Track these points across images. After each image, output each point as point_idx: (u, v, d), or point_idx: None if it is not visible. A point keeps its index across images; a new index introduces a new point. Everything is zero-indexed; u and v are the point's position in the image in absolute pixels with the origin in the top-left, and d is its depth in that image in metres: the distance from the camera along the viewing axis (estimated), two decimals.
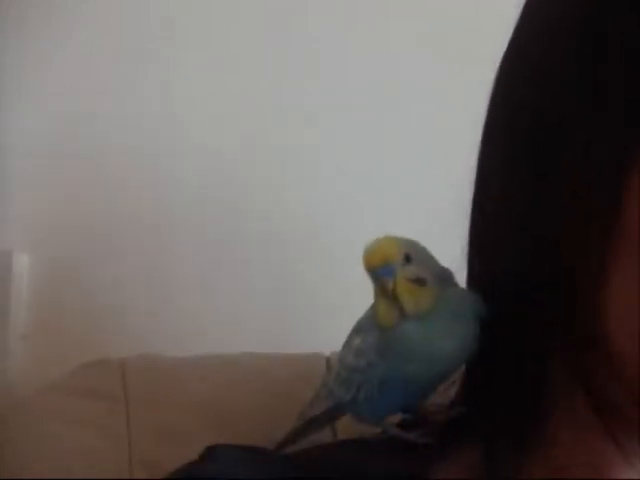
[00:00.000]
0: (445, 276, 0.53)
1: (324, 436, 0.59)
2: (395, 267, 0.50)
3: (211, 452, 0.55)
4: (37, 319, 0.93)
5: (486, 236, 0.53)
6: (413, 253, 0.51)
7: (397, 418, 0.55)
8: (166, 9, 1.00)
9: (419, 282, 0.50)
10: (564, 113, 0.48)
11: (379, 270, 0.50)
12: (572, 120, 0.47)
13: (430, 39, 1.02)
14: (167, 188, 0.97)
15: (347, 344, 0.54)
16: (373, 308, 0.52)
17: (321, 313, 0.95)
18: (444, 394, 0.55)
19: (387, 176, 1.01)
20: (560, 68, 0.48)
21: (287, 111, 1.00)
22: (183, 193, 0.98)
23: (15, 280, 0.91)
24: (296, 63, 1.01)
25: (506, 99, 0.53)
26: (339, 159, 1.01)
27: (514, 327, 0.50)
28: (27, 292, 0.93)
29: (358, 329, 0.54)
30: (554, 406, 0.52)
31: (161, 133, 0.98)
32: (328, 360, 0.69)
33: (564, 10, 0.49)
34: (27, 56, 0.97)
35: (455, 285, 0.53)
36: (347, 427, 0.58)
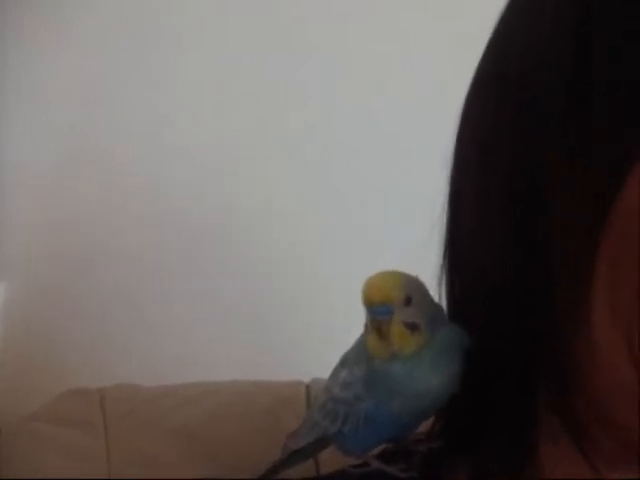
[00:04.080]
0: (437, 316, 0.52)
1: (306, 467, 0.59)
2: (394, 308, 0.50)
3: None
4: (12, 348, 0.93)
5: (464, 254, 0.52)
6: (414, 295, 0.50)
7: (379, 449, 0.55)
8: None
9: (413, 327, 0.50)
10: (546, 113, 0.47)
11: (377, 308, 0.50)
12: (555, 120, 0.46)
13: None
14: (150, 217, 0.98)
15: (333, 376, 0.54)
16: (361, 342, 0.52)
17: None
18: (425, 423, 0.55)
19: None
20: (546, 66, 0.47)
21: (274, 140, 1.01)
22: (167, 220, 0.98)
23: None
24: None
25: (485, 97, 0.52)
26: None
27: (495, 352, 0.50)
28: (2, 321, 0.93)
29: (344, 362, 0.53)
30: (539, 436, 0.51)
31: (147, 159, 0.99)
32: (308, 387, 0.70)
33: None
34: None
35: (445, 322, 0.53)
36: (330, 459, 0.58)
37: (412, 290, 0.50)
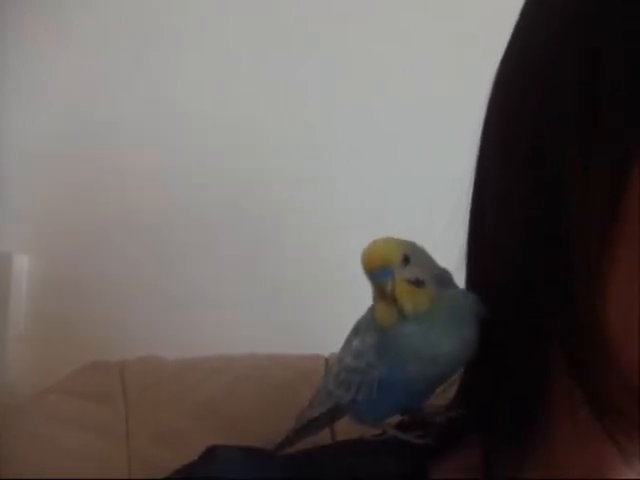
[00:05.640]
0: (444, 277, 0.52)
1: (322, 437, 0.59)
2: (393, 269, 0.50)
3: (211, 453, 0.56)
4: (36, 321, 0.93)
5: (484, 233, 0.53)
6: (411, 254, 0.51)
7: (396, 419, 0.55)
8: (167, 10, 1.00)
9: (417, 283, 0.50)
10: (565, 110, 0.47)
11: (377, 272, 0.50)
12: (573, 117, 0.47)
13: (430, 40, 1.02)
14: (167, 188, 0.97)
15: (346, 345, 0.54)
16: (372, 310, 0.52)
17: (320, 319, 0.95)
18: (442, 395, 0.55)
19: (386, 176, 1.01)
20: (560, 68, 0.48)
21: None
22: (184, 192, 0.98)
23: (14, 281, 0.91)
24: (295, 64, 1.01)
25: (505, 97, 0.52)
26: (339, 161, 1.01)
27: (513, 326, 0.50)
28: (26, 294, 0.93)
29: (357, 330, 0.54)
30: (554, 407, 0.51)
31: (161, 132, 0.98)
32: (327, 361, 0.70)
33: (563, 10, 0.49)
34: (27, 56, 0.97)
35: (454, 286, 0.53)
36: (346, 428, 0.58)
37: (409, 250, 0.51)
